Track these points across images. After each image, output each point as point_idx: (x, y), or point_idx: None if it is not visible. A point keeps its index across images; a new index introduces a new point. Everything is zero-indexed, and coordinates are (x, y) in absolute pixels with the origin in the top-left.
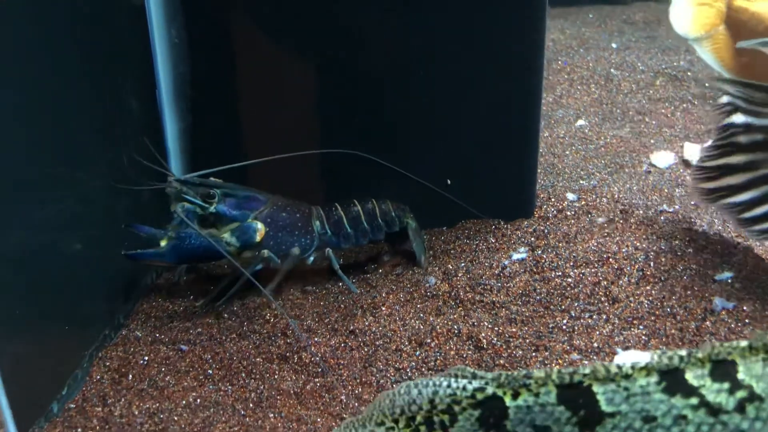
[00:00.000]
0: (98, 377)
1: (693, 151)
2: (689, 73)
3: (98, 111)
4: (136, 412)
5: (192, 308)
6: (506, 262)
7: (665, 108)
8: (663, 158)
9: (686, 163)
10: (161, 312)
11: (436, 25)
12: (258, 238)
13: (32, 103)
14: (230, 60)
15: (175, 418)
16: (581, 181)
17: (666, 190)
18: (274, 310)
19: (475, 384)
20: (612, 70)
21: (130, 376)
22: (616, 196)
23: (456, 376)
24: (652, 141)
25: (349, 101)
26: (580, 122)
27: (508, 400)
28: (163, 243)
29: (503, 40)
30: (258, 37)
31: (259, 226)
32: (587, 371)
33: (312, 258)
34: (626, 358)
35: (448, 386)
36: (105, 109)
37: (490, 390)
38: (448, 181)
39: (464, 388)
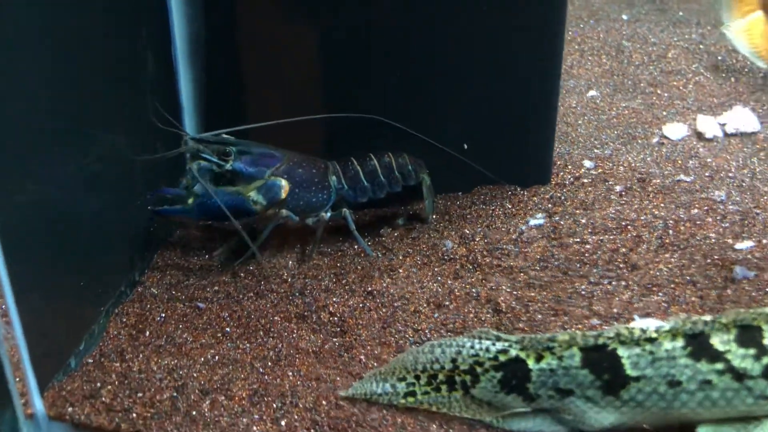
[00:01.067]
0: (115, 333)
1: (706, 124)
2: (701, 46)
3: (114, 66)
4: (155, 368)
5: (208, 266)
6: (523, 228)
7: (677, 80)
8: (675, 130)
9: (699, 136)
10: (176, 270)
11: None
12: (283, 194)
13: (48, 57)
14: (246, 16)
15: (194, 375)
16: (596, 150)
17: (680, 162)
18: (290, 270)
19: (499, 346)
20: (623, 41)
21: (147, 332)
22: (633, 164)
23: (479, 338)
24: (664, 113)
25: (367, 61)
26: (592, 93)
27: (531, 363)
28: (190, 201)
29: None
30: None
31: (284, 182)
32: (611, 334)
33: (329, 214)
34: (643, 325)
35: (471, 347)
36: (121, 65)
37: (513, 352)
38: (465, 146)
39: (487, 350)
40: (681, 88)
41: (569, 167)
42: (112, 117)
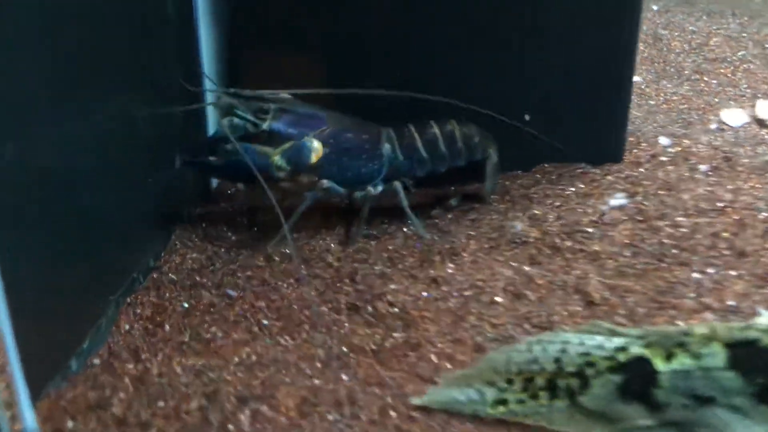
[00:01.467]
0: (127, 327)
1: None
2: (744, 35)
3: (128, 25)
4: (179, 370)
5: (236, 247)
6: (604, 209)
7: (724, 68)
8: (735, 116)
9: (760, 122)
10: (198, 253)
11: None
12: (314, 158)
13: (59, 20)
14: None
15: (228, 379)
16: (659, 131)
17: (749, 147)
18: (334, 253)
19: (616, 342)
20: (659, 29)
21: (167, 326)
22: (714, 143)
23: (590, 332)
24: (716, 99)
25: (418, 24)
26: (635, 78)
27: (659, 364)
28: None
29: None
30: None
31: (316, 144)
32: (764, 325)
33: (380, 188)
34: None
35: (580, 344)
36: (137, 21)
37: (635, 350)
38: (526, 117)
39: (601, 347)
40: (729, 75)
41: (643, 144)
42: (125, 79)
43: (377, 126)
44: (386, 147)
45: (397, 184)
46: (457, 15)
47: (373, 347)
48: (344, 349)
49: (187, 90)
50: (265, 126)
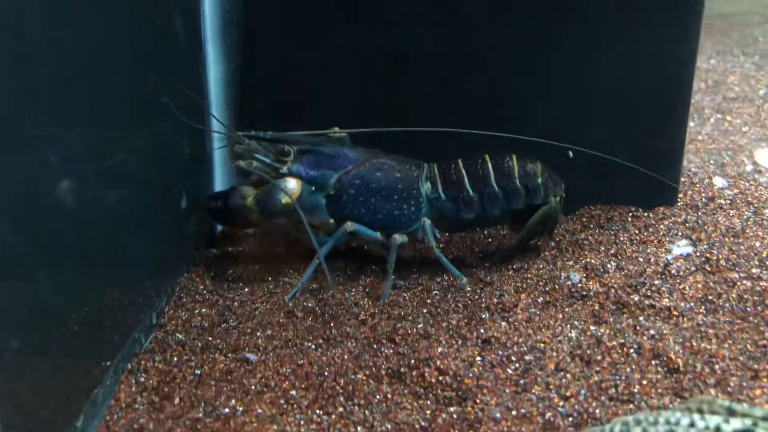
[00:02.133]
0: (129, 400)
1: None
2: (762, 73)
3: (134, 53)
4: None
5: (250, 300)
6: (668, 258)
7: (746, 107)
8: None
9: None
10: (208, 308)
11: None
12: (284, 200)
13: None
14: None
15: None
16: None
17: None
18: (368, 307)
19: (736, 425)
20: None
21: (177, 398)
22: None
23: (700, 411)
24: (744, 140)
25: (456, 53)
26: None
27: None
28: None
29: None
30: None
31: (290, 185)
32: None
33: (428, 228)
34: None
35: (691, 425)
36: (142, 54)
37: None
38: (570, 153)
39: (718, 430)
40: (753, 114)
41: (697, 186)
42: (129, 122)
43: (418, 163)
44: (426, 186)
45: (426, 222)
46: (513, 54)
47: (423, 424)
48: (388, 426)
49: (193, 132)
50: (284, 170)
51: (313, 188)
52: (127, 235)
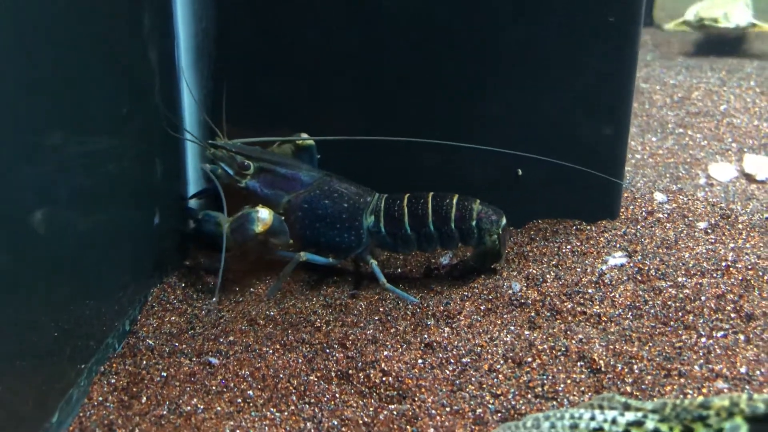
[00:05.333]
0: (100, 399)
1: (756, 165)
2: (725, 88)
3: (106, 67)
4: None
5: (216, 310)
6: (603, 268)
7: (707, 121)
8: (723, 171)
9: (749, 177)
10: (177, 315)
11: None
12: (259, 228)
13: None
14: (266, 14)
15: None
16: (653, 185)
17: (740, 203)
18: (322, 315)
19: (630, 416)
20: (640, 83)
21: (144, 397)
22: (711, 200)
23: (600, 407)
24: (702, 154)
25: (410, 70)
26: None
27: None
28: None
29: (594, 14)
30: None
31: (262, 215)
32: None
33: (369, 259)
34: None
35: (592, 419)
36: (112, 59)
37: (650, 425)
38: (519, 171)
39: (614, 422)
40: (713, 129)
41: (638, 201)
42: (104, 133)
43: (369, 193)
44: (369, 219)
45: (372, 262)
46: (454, 75)
47: (366, 420)
48: (335, 422)
49: (166, 151)
50: (242, 184)
51: (282, 215)
52: (103, 249)
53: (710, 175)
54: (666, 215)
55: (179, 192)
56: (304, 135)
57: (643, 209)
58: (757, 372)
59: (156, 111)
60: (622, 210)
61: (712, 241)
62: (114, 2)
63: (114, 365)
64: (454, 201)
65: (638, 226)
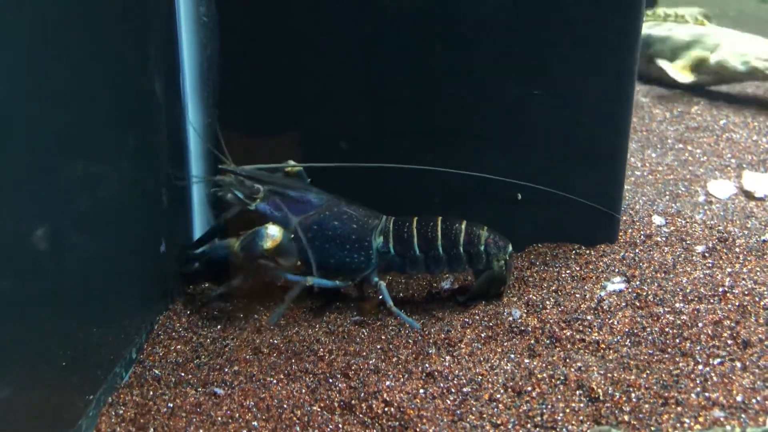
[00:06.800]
0: (109, 430)
1: (755, 182)
2: (724, 102)
3: (112, 94)
4: None
5: (221, 338)
6: (602, 294)
7: (707, 137)
8: (722, 188)
9: (748, 194)
10: (183, 344)
11: (519, 22)
12: (269, 244)
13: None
14: (268, 44)
15: None
16: (652, 206)
17: (739, 222)
18: (325, 344)
19: None
20: (640, 97)
21: (152, 429)
22: (709, 222)
23: None
24: (701, 170)
25: (406, 101)
26: None
27: None
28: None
29: (593, 39)
30: (302, 15)
31: (271, 231)
32: None
33: (375, 280)
34: None
35: None
36: (120, 91)
37: None
38: (519, 196)
39: None
40: (713, 144)
41: (637, 224)
42: (108, 163)
43: (377, 216)
44: (378, 240)
45: (380, 283)
46: (450, 97)
47: None
48: None
49: (173, 176)
50: (252, 207)
51: (291, 236)
52: (110, 278)
53: (709, 192)
54: (664, 238)
55: (183, 222)
56: (291, 162)
57: (642, 233)
58: (753, 400)
59: (162, 140)
60: (621, 233)
61: (710, 265)
62: (122, 34)
63: (122, 396)
64: (463, 226)
65: (637, 250)
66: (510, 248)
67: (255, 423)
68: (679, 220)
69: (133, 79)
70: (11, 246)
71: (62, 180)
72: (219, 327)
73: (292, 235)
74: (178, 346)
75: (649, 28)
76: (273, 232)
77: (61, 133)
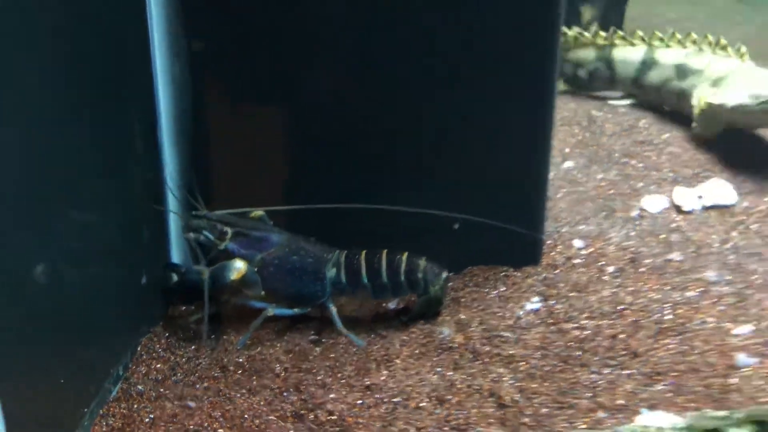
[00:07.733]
0: None
1: (684, 196)
2: (670, 115)
3: (97, 144)
4: None
5: (195, 359)
6: (520, 313)
7: (650, 150)
8: (654, 203)
9: (678, 209)
10: (162, 363)
11: (435, 42)
12: (235, 275)
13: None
14: (237, 99)
15: None
16: (580, 226)
17: (663, 236)
18: (283, 362)
19: None
20: (593, 111)
21: None
22: (623, 243)
23: None
24: (640, 184)
25: (350, 141)
26: (568, 164)
27: None
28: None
29: (511, 58)
30: (268, 75)
31: (238, 265)
32: (640, 426)
33: (330, 306)
34: (651, 420)
35: None
36: (104, 141)
37: None
38: (456, 225)
39: None
40: (654, 158)
41: (559, 247)
42: (92, 194)
43: (330, 250)
44: (332, 271)
45: (332, 308)
46: (377, 132)
47: None
48: None
49: (151, 218)
50: (222, 246)
51: (255, 269)
52: (100, 305)
53: (642, 207)
54: (582, 260)
55: (162, 255)
56: (255, 210)
57: (563, 255)
58: (631, 403)
59: (141, 184)
60: (544, 255)
61: (617, 285)
62: (101, 81)
63: (111, 408)
64: (404, 257)
65: (557, 271)
66: (445, 274)
67: (220, 430)
68: (598, 243)
69: (116, 135)
70: (17, 282)
71: (58, 224)
72: (193, 347)
73: (256, 269)
74: (158, 365)
75: (685, 56)
76: (238, 266)
77: (56, 185)
